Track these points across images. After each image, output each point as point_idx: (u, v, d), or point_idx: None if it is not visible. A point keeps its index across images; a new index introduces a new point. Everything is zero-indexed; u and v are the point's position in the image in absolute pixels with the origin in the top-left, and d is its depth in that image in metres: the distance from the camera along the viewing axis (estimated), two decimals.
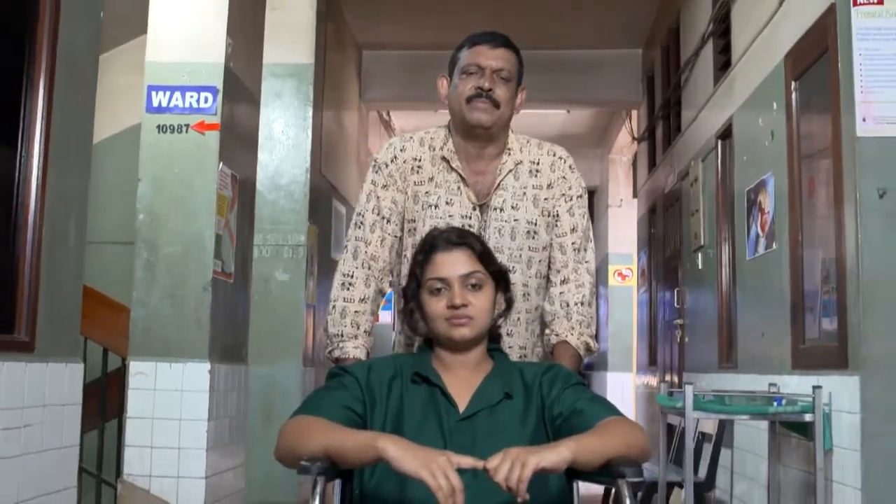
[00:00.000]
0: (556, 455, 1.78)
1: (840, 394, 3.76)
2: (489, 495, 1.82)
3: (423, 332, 2.21)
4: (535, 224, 2.62)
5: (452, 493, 1.70)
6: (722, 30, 6.03)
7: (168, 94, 4.86)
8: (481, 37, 2.59)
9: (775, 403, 4.06)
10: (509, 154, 2.63)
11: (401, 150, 2.65)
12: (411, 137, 2.68)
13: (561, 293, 2.61)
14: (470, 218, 2.58)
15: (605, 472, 1.88)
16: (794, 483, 4.29)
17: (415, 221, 2.61)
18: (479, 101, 2.52)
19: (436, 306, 2.12)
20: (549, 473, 1.80)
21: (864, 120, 3.70)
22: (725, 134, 5.90)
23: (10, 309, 2.91)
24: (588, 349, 2.59)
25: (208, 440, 4.70)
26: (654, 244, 8.95)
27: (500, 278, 2.21)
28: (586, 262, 2.66)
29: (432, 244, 2.18)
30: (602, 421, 1.98)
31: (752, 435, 4.99)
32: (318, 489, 1.85)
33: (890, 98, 3.69)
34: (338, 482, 2.04)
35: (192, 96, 4.85)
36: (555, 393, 2.10)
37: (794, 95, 4.50)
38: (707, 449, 5.62)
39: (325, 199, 7.71)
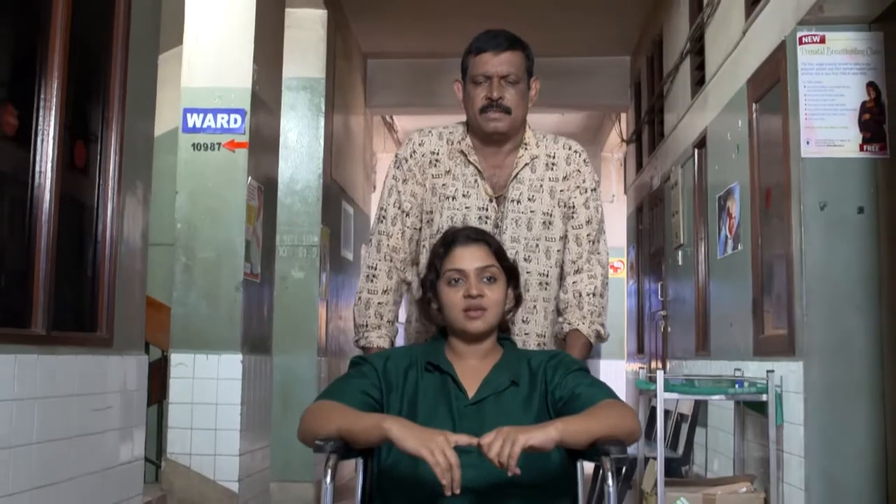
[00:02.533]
0: (543, 434, 1.92)
1: (788, 377, 4.39)
2: (490, 473, 1.97)
3: (439, 322, 2.32)
4: (552, 215, 2.69)
5: (450, 469, 1.85)
6: (698, 48, 6.62)
7: (202, 116, 5.47)
8: (485, 41, 2.63)
9: (737, 386, 4.69)
10: (526, 148, 2.70)
11: (419, 145, 2.73)
12: (430, 132, 2.76)
13: (574, 283, 2.68)
14: (486, 209, 2.67)
15: (593, 450, 2.00)
16: (755, 455, 4.92)
17: (432, 213, 2.69)
18: (491, 111, 2.60)
19: (453, 296, 2.24)
20: (539, 451, 1.92)
21: (807, 143, 4.32)
22: (701, 143, 6.50)
23: (94, 311, 3.53)
24: (599, 337, 2.68)
25: (241, 422, 5.32)
26: (641, 240, 9.56)
27: (512, 274, 2.33)
28: (598, 253, 2.73)
29: (453, 239, 2.30)
30: (595, 404, 2.09)
31: (722, 415, 5.62)
32: (331, 466, 1.98)
33: (830, 124, 4.31)
34: (360, 461, 2.16)
35: (223, 118, 5.46)
36: (557, 378, 2.21)
37: (754, 115, 5.11)
38: (684, 428, 6.25)
39: (335, 202, 8.30)
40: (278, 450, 6.38)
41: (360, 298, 2.71)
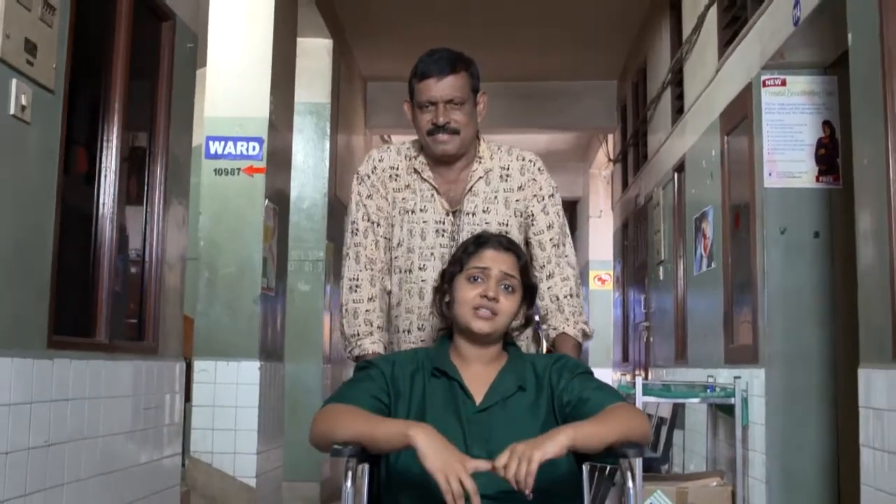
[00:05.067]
0: (555, 446, 1.92)
1: (753, 382, 4.92)
2: (499, 479, 1.93)
3: (447, 316, 2.34)
4: (507, 225, 2.71)
5: (462, 496, 1.85)
6: (678, 80, 7.15)
7: (223, 143, 5.98)
8: (428, 65, 2.63)
9: (708, 391, 5.22)
10: (479, 162, 2.73)
11: (379, 161, 2.77)
12: (388, 148, 2.81)
13: (549, 288, 2.71)
14: (443, 223, 2.71)
15: (609, 453, 2.00)
16: (725, 453, 5.44)
17: (392, 226, 2.74)
18: (440, 133, 2.63)
19: (468, 293, 2.25)
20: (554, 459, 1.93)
21: (770, 174, 4.85)
22: (680, 168, 7.03)
23: (143, 322, 4.04)
24: (585, 335, 2.72)
25: (258, 424, 5.82)
26: (626, 255, 10.09)
27: (529, 293, 2.36)
28: (566, 256, 2.75)
29: (486, 240, 2.33)
30: (605, 408, 2.10)
31: (698, 418, 6.14)
32: (351, 469, 1.99)
33: (790, 158, 4.84)
34: (366, 466, 2.15)
35: (242, 145, 5.97)
36: (563, 383, 2.22)
37: (725, 147, 5.64)
38: (664, 430, 6.77)
39: (338, 218, 8.74)
40: (286, 451, 6.86)
41: (346, 310, 2.74)
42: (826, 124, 4.82)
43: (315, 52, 8.11)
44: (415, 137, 2.79)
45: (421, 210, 2.71)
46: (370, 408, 2.13)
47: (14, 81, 2.82)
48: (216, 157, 5.98)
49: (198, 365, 5.83)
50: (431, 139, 2.65)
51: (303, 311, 7.89)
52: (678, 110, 7.14)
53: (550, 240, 2.74)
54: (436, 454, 1.91)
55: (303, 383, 7.75)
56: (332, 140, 8.34)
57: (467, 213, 2.70)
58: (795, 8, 4.35)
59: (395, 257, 2.73)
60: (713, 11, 5.93)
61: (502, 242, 2.33)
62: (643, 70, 8.71)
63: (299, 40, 7.45)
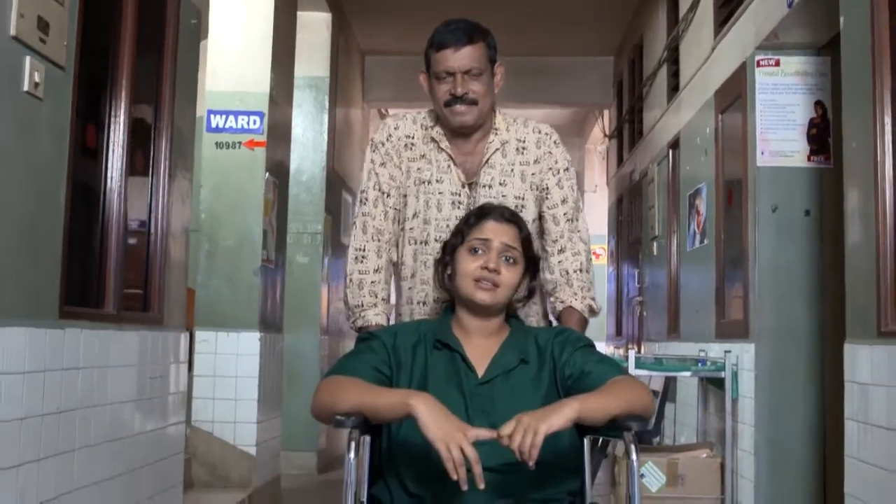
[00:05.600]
0: (561, 418, 1.94)
1: (743, 357, 5.03)
2: (501, 452, 1.96)
3: (448, 288, 2.35)
4: (524, 199, 2.69)
5: (464, 464, 1.86)
6: (674, 57, 7.22)
7: (224, 117, 6.06)
8: (445, 36, 2.61)
9: (699, 364, 5.34)
10: (496, 134, 2.72)
11: (395, 129, 2.75)
12: (405, 116, 2.78)
13: (559, 262, 2.69)
14: (459, 195, 2.69)
15: (613, 426, 2.02)
16: (715, 426, 5.57)
17: (407, 196, 2.72)
18: (457, 104, 2.61)
19: (469, 265, 2.26)
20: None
21: (762, 153, 4.95)
22: (675, 145, 7.12)
23: (148, 293, 4.13)
24: (591, 311, 2.69)
25: (258, 393, 5.93)
26: (621, 230, 10.19)
27: (532, 265, 2.36)
28: (578, 231, 2.73)
29: (487, 212, 2.34)
30: (608, 381, 2.11)
31: (689, 392, 6.26)
32: (354, 440, 1.99)
33: (782, 137, 4.93)
34: (367, 438, 2.17)
35: (243, 119, 6.05)
36: (565, 356, 2.22)
37: (720, 125, 5.73)
38: (656, 403, 6.89)
39: (336, 191, 8.88)
40: (284, 421, 6.98)
41: (351, 280, 2.71)
42: (818, 104, 4.91)
43: (314, 26, 8.17)
44: (414, 110, 2.78)
45: (437, 181, 2.69)
46: (371, 379, 2.14)
47: (28, 59, 2.89)
48: (217, 130, 6.06)
49: (199, 335, 5.93)
50: (449, 110, 2.63)
51: (301, 283, 7.99)
52: (674, 87, 7.22)
53: (564, 214, 2.72)
54: (436, 423, 1.92)
55: (301, 355, 7.86)
56: (331, 114, 8.42)
57: (484, 186, 2.69)
58: None
59: (411, 228, 2.71)
60: None
61: (504, 214, 2.33)
62: (639, 47, 8.77)
63: (299, 14, 7.50)
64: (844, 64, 3.63)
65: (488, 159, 2.70)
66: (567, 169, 2.76)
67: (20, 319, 2.87)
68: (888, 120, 3.26)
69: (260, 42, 6.15)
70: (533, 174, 2.72)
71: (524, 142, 2.73)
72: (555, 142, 2.76)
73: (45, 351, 3.03)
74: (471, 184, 2.70)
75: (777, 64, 4.97)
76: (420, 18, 9.86)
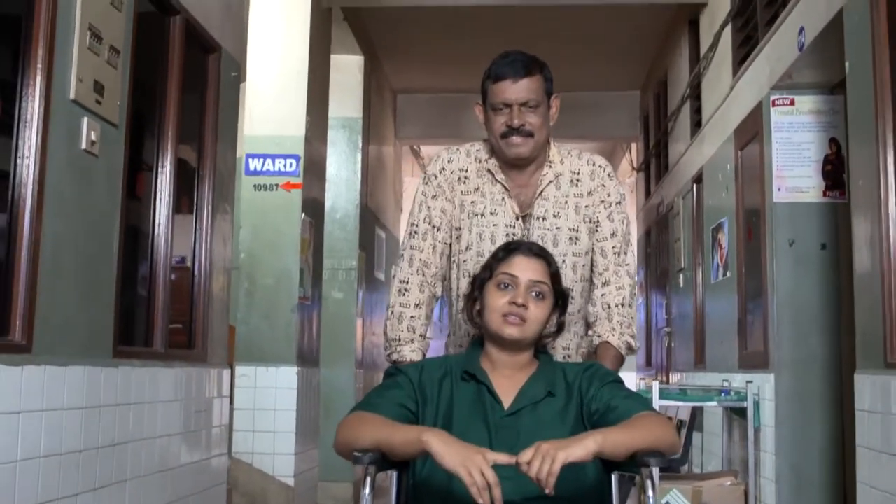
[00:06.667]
0: (582, 449, 1.92)
1: (764, 387, 5.18)
2: (525, 486, 1.96)
3: (476, 323, 2.33)
4: (577, 230, 2.68)
5: (487, 488, 1.84)
6: (696, 94, 7.41)
7: (262, 160, 6.33)
8: (503, 68, 2.62)
9: (722, 394, 5.49)
10: (550, 166, 2.71)
11: (448, 162, 2.75)
12: (458, 149, 2.77)
13: (602, 295, 2.66)
14: (513, 227, 2.68)
15: (632, 461, 1.99)
16: (739, 454, 5.71)
17: (461, 229, 2.70)
18: (513, 136, 2.61)
19: (498, 300, 2.25)
20: (579, 464, 1.94)
21: (779, 189, 5.12)
22: (698, 179, 7.28)
23: (192, 331, 4.37)
24: (630, 348, 2.64)
25: (296, 426, 6.15)
26: (649, 261, 10.34)
27: (561, 300, 2.34)
28: (626, 265, 2.70)
29: (516, 247, 2.33)
30: (633, 416, 2.09)
31: (716, 421, 6.40)
32: (370, 475, 2.01)
33: (798, 174, 5.11)
34: (394, 473, 2.17)
35: (280, 162, 6.31)
36: (592, 391, 2.21)
37: (739, 161, 5.91)
38: (683, 433, 7.03)
39: (369, 227, 9.11)
40: (321, 452, 7.18)
41: (391, 312, 2.70)
42: (832, 142, 5.08)
43: (347, 69, 8.41)
44: (468, 143, 2.80)
45: (491, 213, 2.68)
46: (394, 415, 2.14)
47: (85, 119, 3.15)
48: (255, 173, 6.32)
49: (239, 370, 6.16)
50: (505, 142, 2.63)
51: (336, 318, 8.16)
52: (696, 123, 7.40)
53: (613, 248, 2.70)
54: (452, 451, 1.92)
55: (336, 388, 8.03)
56: (364, 152, 8.63)
57: (538, 218, 2.68)
58: (800, 35, 4.62)
59: (465, 261, 2.70)
60: (728, 31, 6.20)
61: (532, 249, 2.32)
62: (664, 82, 8.96)
63: (332, 57, 7.77)
64: (850, 106, 3.82)
65: (542, 191, 2.69)
66: (619, 202, 2.75)
67: (80, 358, 3.12)
68: (891, 159, 3.44)
69: (295, 86, 6.42)
70: (587, 206, 2.70)
71: (578, 173, 2.73)
72: (608, 174, 2.75)
73: (101, 388, 3.27)
74: (525, 216, 2.70)
75: (792, 103, 5.15)
76: (448, 58, 10.24)
